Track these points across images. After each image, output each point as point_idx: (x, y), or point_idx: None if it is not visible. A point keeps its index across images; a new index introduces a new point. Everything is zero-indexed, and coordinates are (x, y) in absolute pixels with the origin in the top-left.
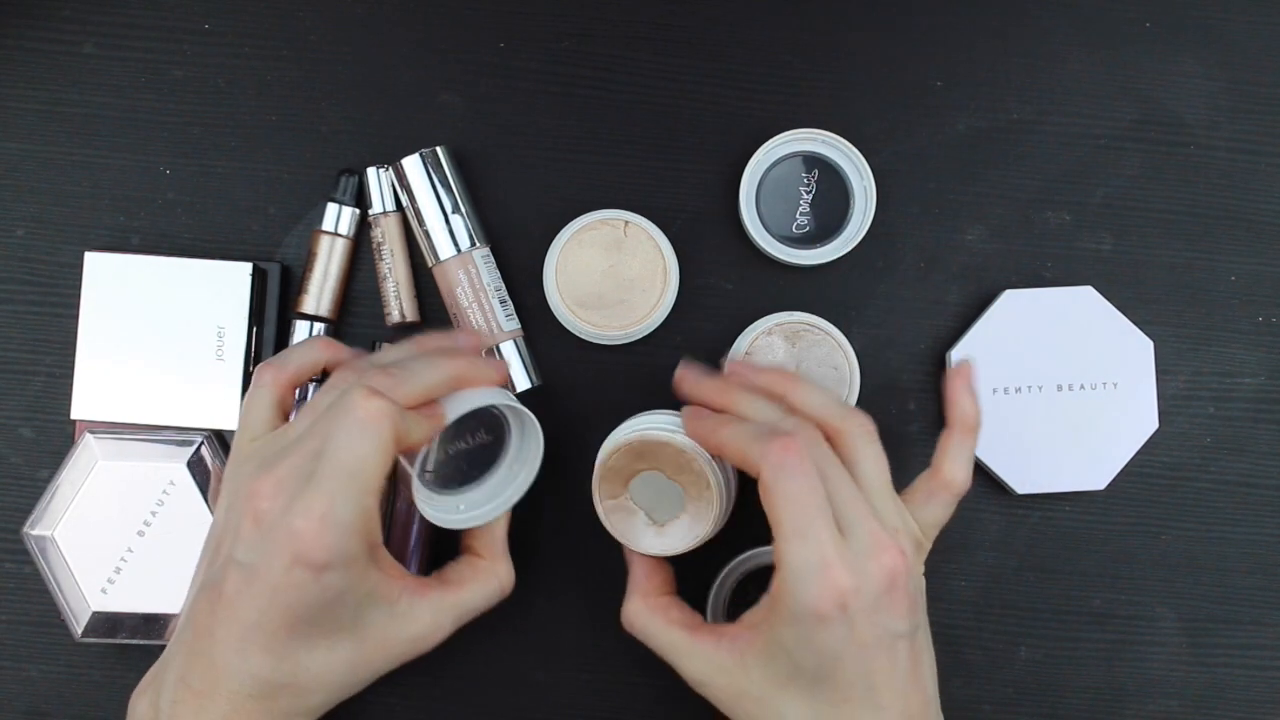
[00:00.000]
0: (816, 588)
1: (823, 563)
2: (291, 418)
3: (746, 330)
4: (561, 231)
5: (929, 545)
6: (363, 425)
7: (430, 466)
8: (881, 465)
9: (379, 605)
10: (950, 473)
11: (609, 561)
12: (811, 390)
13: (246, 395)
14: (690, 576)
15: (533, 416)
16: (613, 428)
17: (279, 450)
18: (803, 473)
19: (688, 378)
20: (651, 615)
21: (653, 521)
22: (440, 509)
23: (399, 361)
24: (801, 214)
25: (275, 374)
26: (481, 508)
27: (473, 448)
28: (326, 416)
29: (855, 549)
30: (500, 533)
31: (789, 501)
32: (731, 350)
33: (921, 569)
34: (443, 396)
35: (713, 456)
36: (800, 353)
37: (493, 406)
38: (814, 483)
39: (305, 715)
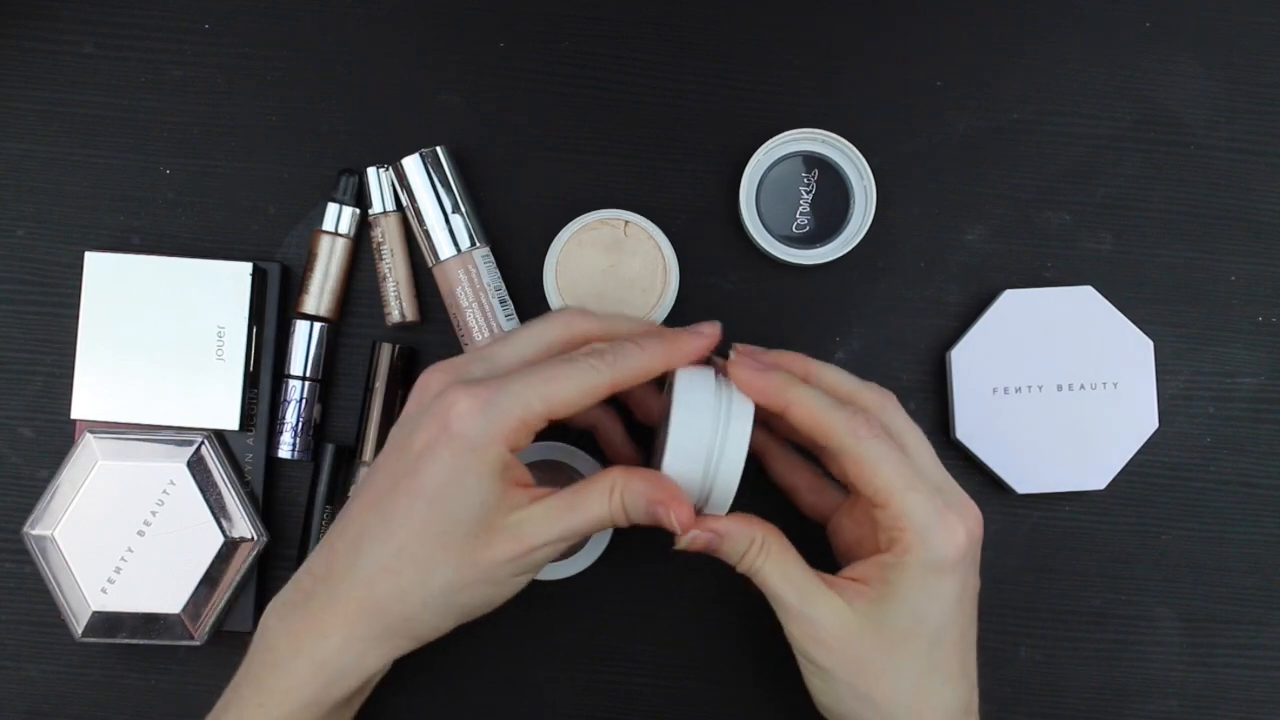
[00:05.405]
0: (944, 535)
1: (942, 513)
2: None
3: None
4: (561, 231)
5: None
6: (588, 370)
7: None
8: (921, 434)
9: (504, 511)
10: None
11: (609, 556)
12: (832, 370)
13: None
14: (691, 573)
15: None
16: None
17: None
18: (888, 438)
19: (749, 358)
20: (786, 555)
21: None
22: None
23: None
24: (801, 214)
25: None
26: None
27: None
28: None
29: (950, 504)
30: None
31: (888, 461)
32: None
33: None
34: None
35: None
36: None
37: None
38: (898, 448)
39: (406, 634)
